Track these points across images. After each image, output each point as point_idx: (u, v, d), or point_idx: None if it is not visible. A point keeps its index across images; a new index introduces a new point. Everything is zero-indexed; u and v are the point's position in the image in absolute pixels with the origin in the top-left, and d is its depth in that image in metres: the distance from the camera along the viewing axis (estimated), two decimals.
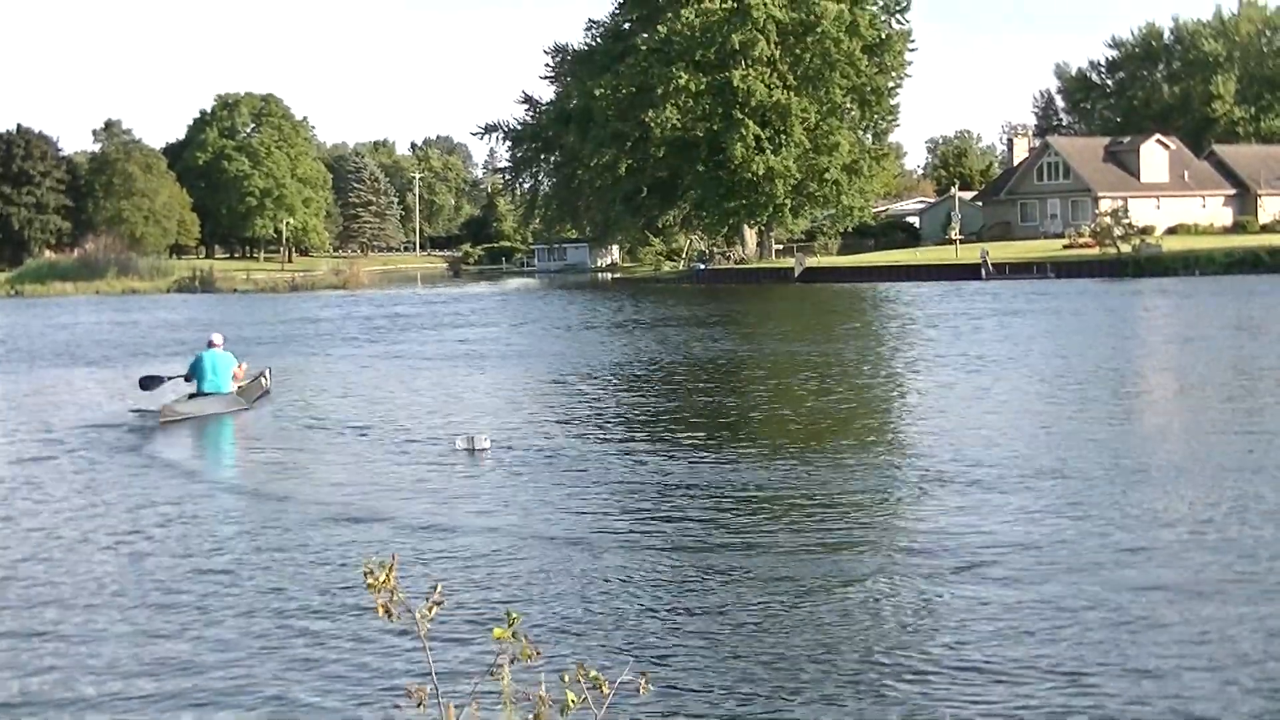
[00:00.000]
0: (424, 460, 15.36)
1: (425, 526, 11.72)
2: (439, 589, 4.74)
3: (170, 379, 21.80)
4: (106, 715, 7.41)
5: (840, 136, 78.34)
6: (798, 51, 78.52)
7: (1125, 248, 61.26)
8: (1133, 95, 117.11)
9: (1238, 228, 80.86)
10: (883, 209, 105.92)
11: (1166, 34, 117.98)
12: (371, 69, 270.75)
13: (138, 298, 76.12)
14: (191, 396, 20.82)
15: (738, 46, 76.20)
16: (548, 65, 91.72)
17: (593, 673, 4.51)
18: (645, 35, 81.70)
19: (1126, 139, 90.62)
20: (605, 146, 79.21)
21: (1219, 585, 9.14)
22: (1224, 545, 10.24)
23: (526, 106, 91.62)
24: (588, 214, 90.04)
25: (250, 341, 34.29)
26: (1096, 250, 63.50)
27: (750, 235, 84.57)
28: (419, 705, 4.55)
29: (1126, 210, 66.29)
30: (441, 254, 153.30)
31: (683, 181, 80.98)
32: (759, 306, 49.97)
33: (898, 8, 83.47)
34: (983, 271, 61.40)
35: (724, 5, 77.13)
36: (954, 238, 75.07)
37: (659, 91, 76.49)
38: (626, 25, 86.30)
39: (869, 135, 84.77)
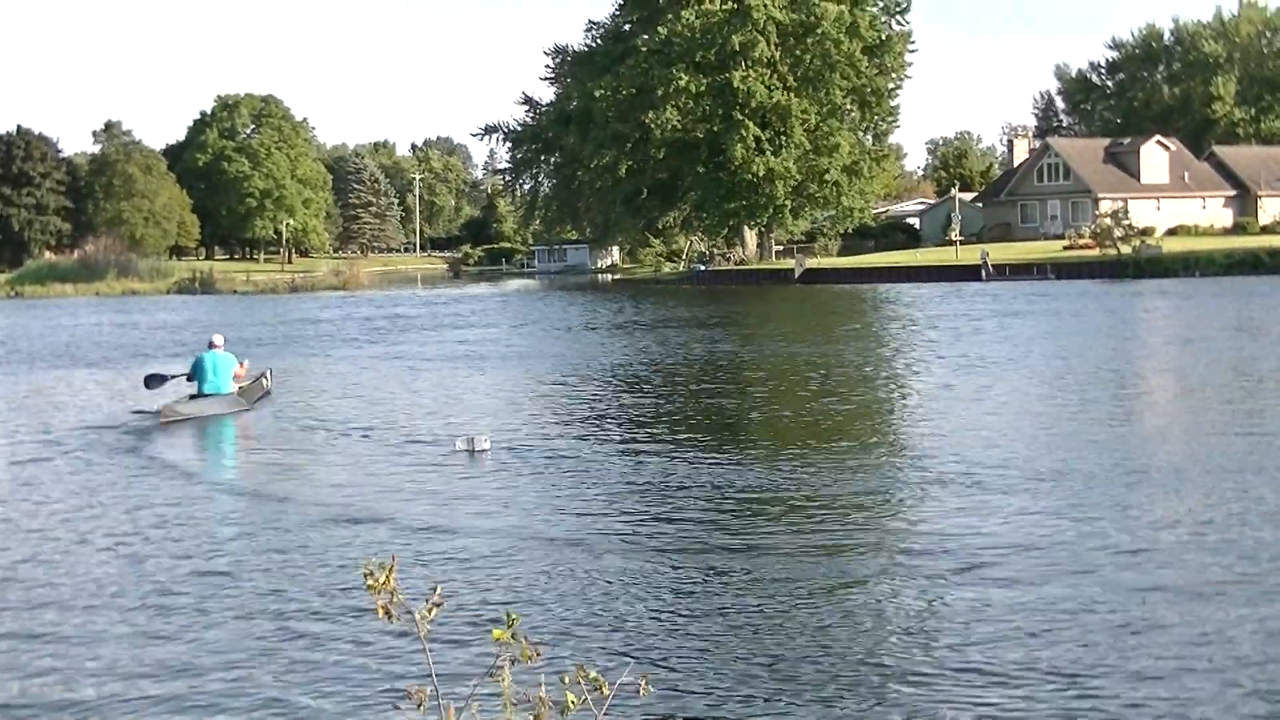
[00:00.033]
0: (424, 461, 15.35)
1: (425, 528, 11.71)
2: (438, 590, 4.73)
3: (174, 378, 21.86)
4: (106, 717, 7.40)
5: (840, 138, 78.37)
6: (798, 53, 78.55)
7: (1125, 249, 61.27)
8: (1133, 96, 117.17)
9: (1238, 229, 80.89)
10: (883, 210, 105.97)
11: (1167, 35, 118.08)
12: (371, 69, 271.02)
13: (137, 299, 76.14)
14: (192, 397, 20.86)
15: (738, 48, 76.23)
16: (548, 66, 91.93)
17: (593, 674, 4.50)
18: (645, 36, 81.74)
19: (1127, 140, 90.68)
20: (605, 148, 79.25)
21: (1219, 587, 9.14)
22: (1224, 547, 10.23)
23: (527, 108, 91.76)
24: (588, 215, 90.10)
25: (250, 343, 34.27)
26: (1097, 251, 63.52)
27: (750, 236, 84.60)
28: (419, 706, 4.54)
29: (1126, 211, 66.32)
30: (441, 255, 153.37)
31: (683, 183, 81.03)
32: (759, 308, 49.97)
33: (898, 9, 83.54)
34: (983, 273, 61.41)
35: (724, 6, 77.18)
36: (954, 239, 75.10)
37: (659, 93, 76.53)
38: (627, 26, 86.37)
39: (869, 136, 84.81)
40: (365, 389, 24.20)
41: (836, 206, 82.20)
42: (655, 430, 17.61)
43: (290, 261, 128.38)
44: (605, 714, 4.62)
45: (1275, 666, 7.56)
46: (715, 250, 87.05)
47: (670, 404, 20.98)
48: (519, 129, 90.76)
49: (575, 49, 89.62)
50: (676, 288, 71.84)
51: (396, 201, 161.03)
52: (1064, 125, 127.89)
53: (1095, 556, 10.01)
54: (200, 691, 7.69)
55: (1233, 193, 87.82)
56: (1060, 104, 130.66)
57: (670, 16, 77.97)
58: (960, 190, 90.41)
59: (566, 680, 4.48)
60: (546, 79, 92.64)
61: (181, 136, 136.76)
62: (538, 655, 4.54)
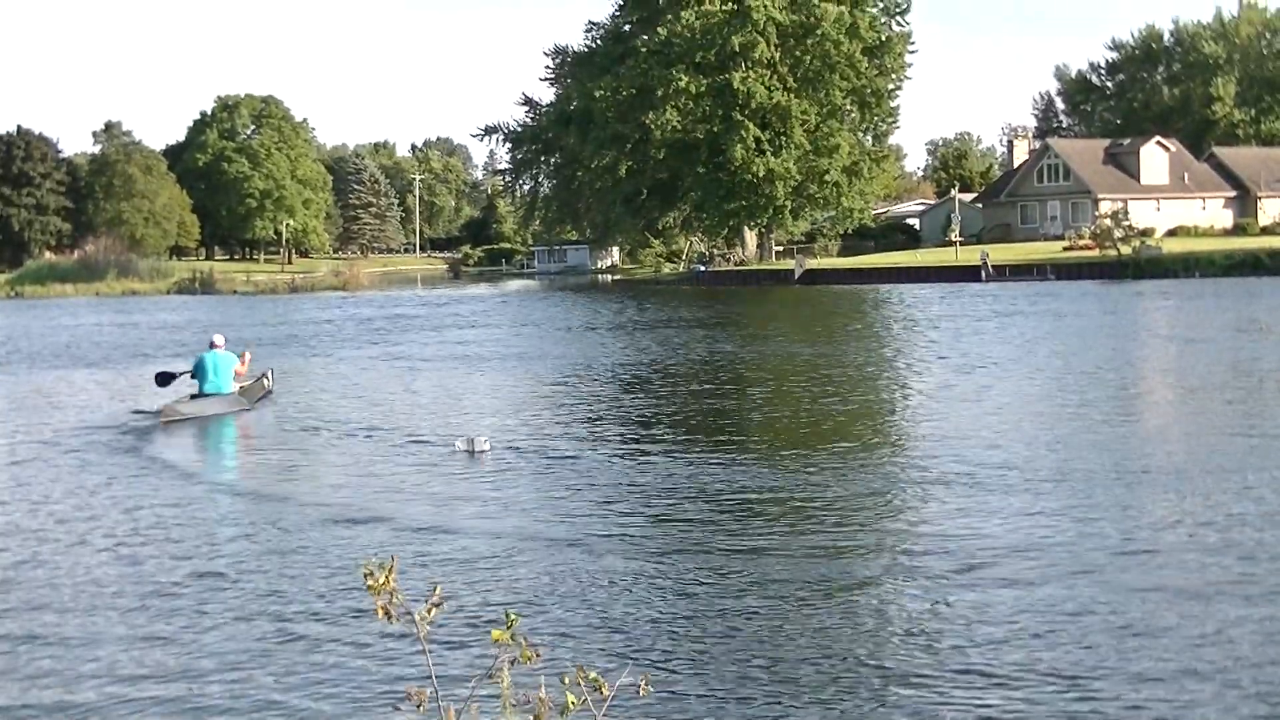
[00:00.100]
0: (424, 462, 15.35)
1: (424, 528, 11.71)
2: (438, 590, 4.73)
3: (183, 375, 21.95)
4: (106, 719, 7.39)
5: (840, 138, 78.38)
6: (798, 53, 78.55)
7: (1125, 250, 61.27)
8: (1133, 97, 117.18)
9: (1238, 230, 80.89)
10: (883, 211, 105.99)
11: (1166, 36, 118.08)
12: (371, 70, 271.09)
13: (138, 299, 76.15)
14: (193, 397, 20.90)
15: (738, 48, 76.24)
16: (548, 67, 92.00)
17: (592, 674, 4.50)
18: (645, 37, 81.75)
19: (1126, 141, 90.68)
20: (605, 148, 79.27)
21: (1220, 587, 9.13)
22: (1225, 547, 10.23)
23: (527, 108, 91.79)
24: (588, 216, 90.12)
25: (250, 343, 34.26)
26: (1096, 252, 63.52)
27: (750, 237, 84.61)
28: (419, 707, 4.54)
29: (1126, 212, 66.31)
30: (441, 255, 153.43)
31: (683, 183, 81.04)
32: (759, 308, 49.98)
33: (898, 10, 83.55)
34: (983, 273, 61.41)
35: (724, 7, 77.18)
36: (954, 240, 75.10)
37: (659, 93, 76.54)
38: (626, 27, 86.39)
39: (869, 137, 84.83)
40: (365, 389, 24.20)
41: (836, 207, 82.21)
42: (655, 431, 17.61)
43: (290, 262, 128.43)
44: (605, 715, 4.62)
45: (1276, 668, 7.56)
46: (715, 251, 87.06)
47: (670, 404, 20.98)
48: (519, 129, 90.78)
49: (575, 49, 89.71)
50: (676, 288, 71.84)
51: (396, 202, 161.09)
52: (1064, 126, 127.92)
53: (1096, 557, 10.01)
54: (200, 693, 7.69)
55: (1233, 194, 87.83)
56: (1060, 105, 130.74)
57: (670, 17, 77.98)
58: (960, 191, 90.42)
59: (566, 681, 4.48)
60: (546, 79, 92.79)
61: (181, 137, 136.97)
62: (537, 656, 4.54)
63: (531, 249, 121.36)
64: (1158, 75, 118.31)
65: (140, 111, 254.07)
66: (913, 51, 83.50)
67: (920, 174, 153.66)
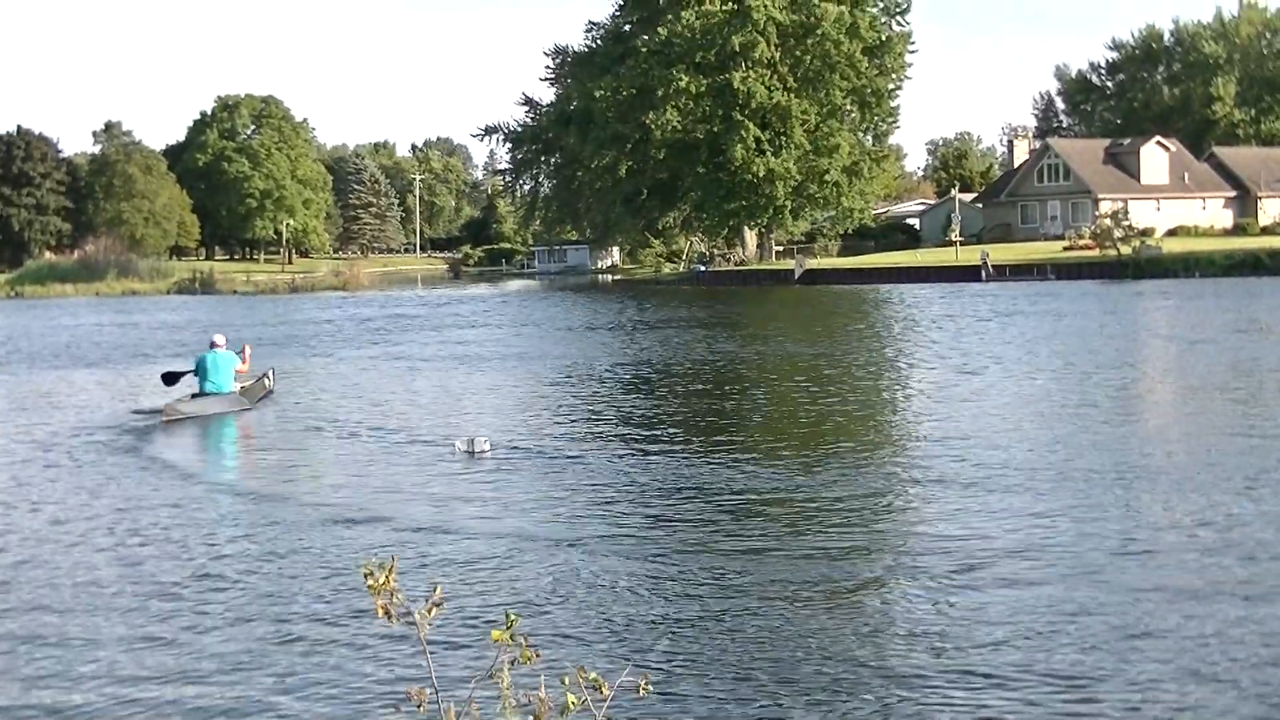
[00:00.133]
0: (424, 462, 15.35)
1: (424, 528, 11.71)
2: (439, 590, 4.74)
3: (187, 374, 22.00)
4: None
5: (840, 138, 78.38)
6: (798, 53, 78.55)
7: (1125, 250, 61.27)
8: (1133, 97, 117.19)
9: (1238, 230, 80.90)
10: (883, 211, 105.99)
11: (1167, 36, 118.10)
12: (371, 70, 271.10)
13: (138, 299, 76.15)
14: (194, 396, 20.95)
15: (738, 48, 76.24)
16: (548, 67, 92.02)
17: (592, 675, 4.50)
18: (645, 37, 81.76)
19: (1127, 141, 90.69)
20: (605, 148, 79.27)
21: (1221, 588, 9.13)
22: (1225, 548, 10.23)
23: (527, 108, 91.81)
24: (588, 216, 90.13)
25: (251, 342, 34.24)
26: (1096, 252, 63.52)
27: (750, 237, 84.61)
28: (419, 708, 4.54)
29: (1126, 212, 66.31)
30: (442, 255, 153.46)
31: (683, 183, 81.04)
32: (759, 308, 49.97)
33: (898, 9, 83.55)
34: (983, 273, 61.41)
35: (724, 7, 77.18)
36: (954, 239, 75.09)
37: (659, 93, 76.55)
38: (627, 27, 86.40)
39: (869, 137, 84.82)
40: (366, 389, 24.20)
41: (836, 207, 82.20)
42: (655, 431, 17.60)
43: (290, 262, 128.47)
44: (605, 715, 4.62)
45: (1276, 669, 7.56)
46: (715, 251, 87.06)
47: (670, 405, 20.97)
48: (519, 129, 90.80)
49: (575, 49, 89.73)
50: (676, 288, 71.83)
51: (397, 202, 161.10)
52: (1064, 126, 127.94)
53: (1096, 557, 10.00)
54: (200, 694, 7.68)
55: (1233, 193, 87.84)
56: (1060, 105, 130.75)
57: (670, 17, 77.98)
58: (960, 191, 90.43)
59: (566, 681, 4.48)
60: (546, 79, 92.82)
61: (181, 137, 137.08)
62: (537, 656, 4.54)
63: (531, 249, 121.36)
64: (1158, 75, 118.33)
65: (140, 111, 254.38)
66: (913, 51, 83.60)
67: (920, 174, 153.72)
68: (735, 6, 76.72)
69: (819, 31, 76.76)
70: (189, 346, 33.69)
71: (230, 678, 7.91)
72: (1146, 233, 65.25)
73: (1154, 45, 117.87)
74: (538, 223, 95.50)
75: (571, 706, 4.44)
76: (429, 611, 4.60)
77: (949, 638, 8.22)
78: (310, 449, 17.21)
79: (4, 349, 36.89)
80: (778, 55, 77.68)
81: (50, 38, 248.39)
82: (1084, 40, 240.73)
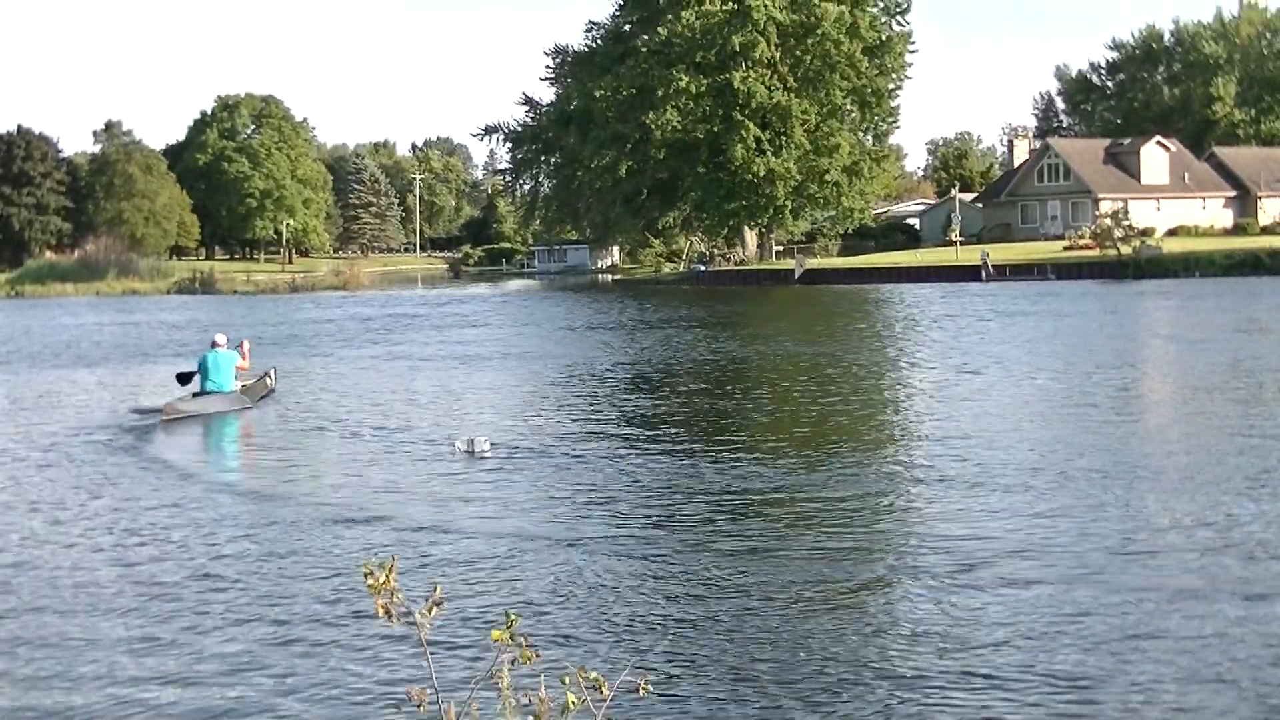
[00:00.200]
0: (424, 462, 15.35)
1: (425, 529, 11.71)
2: (439, 590, 4.74)
3: (198, 373, 22.00)
4: None
5: (840, 138, 78.36)
6: (798, 53, 78.53)
7: (1125, 249, 61.27)
8: (1133, 97, 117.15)
9: (1238, 230, 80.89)
10: (883, 210, 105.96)
11: (1167, 36, 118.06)
12: (371, 69, 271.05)
13: (138, 299, 76.15)
14: (195, 395, 21.00)
15: (738, 48, 76.22)
16: (548, 67, 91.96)
17: (593, 674, 4.51)
18: (645, 37, 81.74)
19: (1127, 141, 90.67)
20: (605, 148, 79.25)
21: (1222, 588, 9.13)
22: (1225, 548, 10.22)
23: (527, 108, 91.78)
24: (588, 215, 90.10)
25: (251, 342, 34.24)
26: (1097, 252, 63.52)
27: (750, 237, 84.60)
28: (419, 707, 4.55)
29: (1127, 212, 66.30)
30: (442, 255, 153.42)
31: (683, 183, 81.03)
32: (759, 308, 49.97)
33: (898, 9, 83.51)
34: (983, 273, 61.41)
35: (724, 7, 77.17)
36: (954, 239, 75.08)
37: (659, 93, 76.53)
38: (627, 27, 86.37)
39: (869, 137, 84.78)
40: (366, 389, 24.21)
41: (837, 207, 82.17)
42: (655, 431, 17.60)
43: (290, 261, 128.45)
44: (605, 715, 4.62)
45: (1276, 670, 7.56)
46: (715, 251, 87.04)
47: (671, 404, 20.98)
48: (519, 129, 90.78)
49: (575, 49, 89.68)
50: (676, 288, 71.83)
51: (397, 202, 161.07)
52: (1064, 126, 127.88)
53: (1096, 557, 10.01)
54: (200, 695, 7.68)
55: (1233, 193, 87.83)
56: (1060, 104, 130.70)
57: (670, 17, 77.96)
58: (960, 191, 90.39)
59: (567, 681, 4.48)
60: (546, 79, 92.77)
61: (182, 136, 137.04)
62: (537, 656, 4.54)
63: (531, 249, 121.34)
64: (1158, 75, 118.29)
65: (140, 111, 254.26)
66: (913, 51, 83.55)
67: (920, 174, 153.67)
68: (735, 6, 76.70)
69: (819, 31, 76.74)
70: (189, 346, 33.69)
71: (230, 678, 7.91)
72: (1147, 232, 65.24)
73: (1154, 45, 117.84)
74: (538, 222, 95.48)
75: (572, 706, 4.44)
76: (429, 611, 4.60)
77: (949, 638, 8.22)
78: (310, 448, 17.21)
79: (4, 348, 36.89)
80: (778, 55, 77.66)
81: (50, 38, 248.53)
82: (1084, 40, 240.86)
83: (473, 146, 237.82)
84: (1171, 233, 77.87)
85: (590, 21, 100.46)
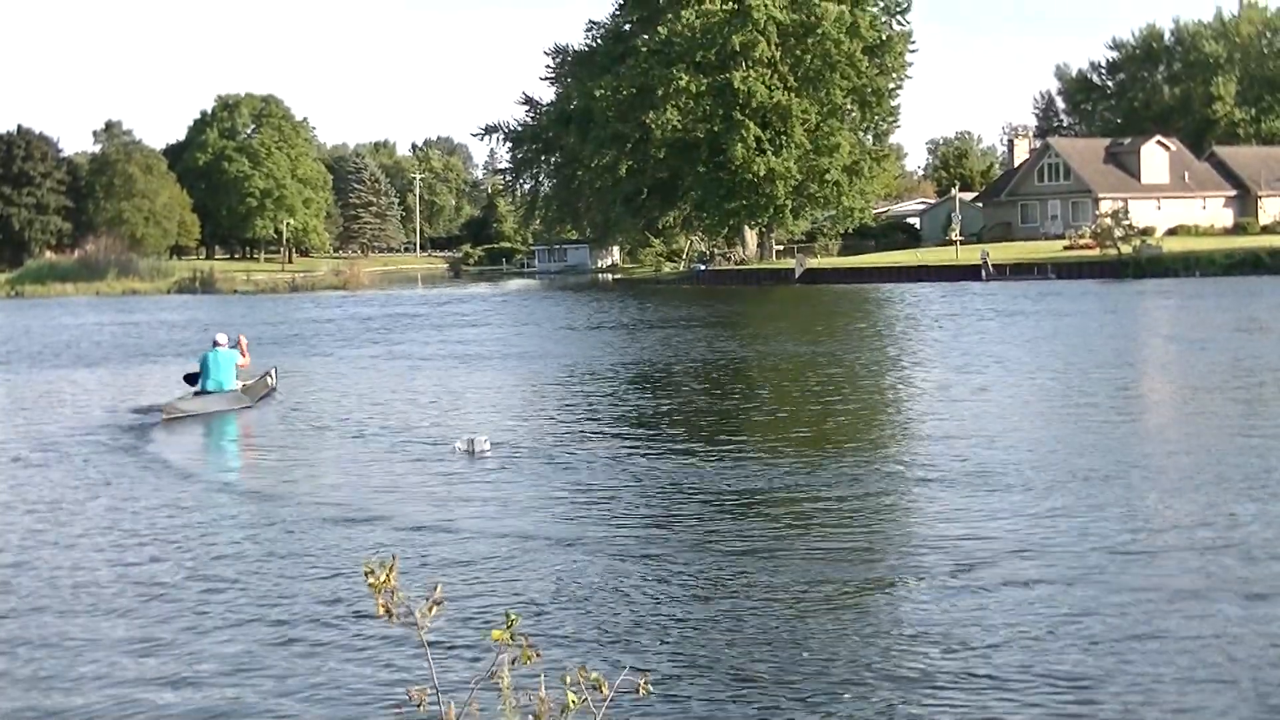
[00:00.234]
0: (424, 462, 15.35)
1: (424, 528, 11.71)
2: (439, 589, 4.74)
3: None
4: None
5: (841, 137, 78.34)
6: (798, 53, 78.52)
7: (1126, 249, 61.28)
8: (1133, 96, 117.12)
9: (1238, 229, 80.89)
10: (883, 210, 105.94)
11: (1167, 35, 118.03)
12: (371, 69, 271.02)
13: (138, 298, 76.14)
14: (196, 394, 21.04)
15: (738, 48, 76.20)
16: (548, 66, 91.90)
17: (593, 674, 4.51)
18: (646, 36, 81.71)
19: (1127, 140, 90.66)
20: (605, 147, 79.24)
21: (1222, 588, 9.13)
22: (1225, 548, 10.22)
23: (527, 107, 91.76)
24: (588, 215, 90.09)
25: (251, 342, 34.23)
26: (1097, 251, 63.53)
27: (751, 236, 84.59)
28: (419, 707, 4.55)
29: (1127, 211, 66.29)
30: (442, 255, 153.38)
31: (683, 183, 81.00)
32: (760, 308, 49.97)
33: (898, 9, 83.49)
34: (983, 273, 61.41)
35: (724, 6, 77.15)
36: (954, 239, 75.07)
37: (659, 93, 76.51)
38: (627, 26, 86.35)
39: (869, 136, 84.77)
40: (366, 388, 24.21)
41: (837, 206, 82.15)
42: (656, 431, 17.61)
43: (290, 261, 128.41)
44: (605, 716, 4.63)
45: (1276, 670, 7.56)
46: (715, 250, 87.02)
47: (671, 404, 20.98)
48: (519, 129, 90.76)
49: (575, 49, 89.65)
50: (677, 287, 71.83)
51: (397, 201, 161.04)
52: (1064, 125, 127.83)
53: (1096, 557, 10.00)
54: (200, 696, 7.68)
55: (1233, 193, 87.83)
56: (1061, 104, 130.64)
57: (670, 16, 77.94)
58: (960, 190, 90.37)
59: (567, 680, 4.48)
60: (547, 79, 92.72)
61: (182, 136, 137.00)
62: (537, 655, 4.54)
63: (532, 248, 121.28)
64: (1158, 74, 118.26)
65: (140, 111, 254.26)
66: (913, 51, 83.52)
67: (921, 173, 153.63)
68: (735, 6, 76.68)
69: (819, 31, 76.73)
70: (190, 345, 33.69)
71: (230, 679, 7.91)
72: (1147, 232, 65.24)
73: (1154, 45, 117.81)
74: (538, 222, 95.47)
75: (572, 705, 4.44)
76: (429, 610, 4.60)
77: (949, 638, 8.22)
78: (310, 448, 17.21)
79: (4, 348, 36.88)
80: (778, 54, 77.64)
81: (50, 38, 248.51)
82: (1084, 40, 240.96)
83: (473, 146, 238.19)
84: (1172, 232, 77.86)
85: (590, 21, 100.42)
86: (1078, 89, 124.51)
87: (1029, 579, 9.46)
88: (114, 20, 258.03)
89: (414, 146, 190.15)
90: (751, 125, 76.24)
